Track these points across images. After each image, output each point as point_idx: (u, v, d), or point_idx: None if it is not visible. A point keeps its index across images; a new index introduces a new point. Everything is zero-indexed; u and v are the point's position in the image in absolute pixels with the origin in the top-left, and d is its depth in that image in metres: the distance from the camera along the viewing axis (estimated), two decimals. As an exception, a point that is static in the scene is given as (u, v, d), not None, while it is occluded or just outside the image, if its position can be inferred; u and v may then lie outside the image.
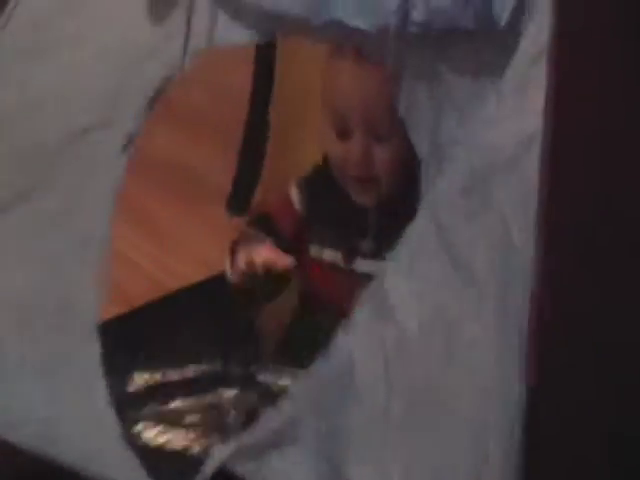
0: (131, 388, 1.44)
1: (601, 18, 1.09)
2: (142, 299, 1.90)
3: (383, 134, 1.30)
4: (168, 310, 1.86)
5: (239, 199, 2.18)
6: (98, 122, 1.25)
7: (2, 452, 1.29)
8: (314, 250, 1.44)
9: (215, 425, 1.36)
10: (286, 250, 1.40)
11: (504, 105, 1.07)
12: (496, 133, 1.08)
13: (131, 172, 1.26)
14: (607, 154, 1.09)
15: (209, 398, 1.41)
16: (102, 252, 1.28)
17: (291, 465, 1.15)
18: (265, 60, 1.82)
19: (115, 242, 1.95)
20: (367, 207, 1.39)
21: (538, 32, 1.06)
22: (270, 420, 1.17)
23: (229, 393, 1.42)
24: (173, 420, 1.38)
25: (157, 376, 1.48)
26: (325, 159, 1.43)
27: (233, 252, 1.45)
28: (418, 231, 1.11)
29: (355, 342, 1.12)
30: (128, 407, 1.35)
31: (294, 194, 1.48)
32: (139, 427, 1.36)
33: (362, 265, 1.39)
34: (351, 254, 1.40)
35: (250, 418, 1.32)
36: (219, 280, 1.89)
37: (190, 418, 1.39)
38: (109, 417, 1.24)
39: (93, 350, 1.25)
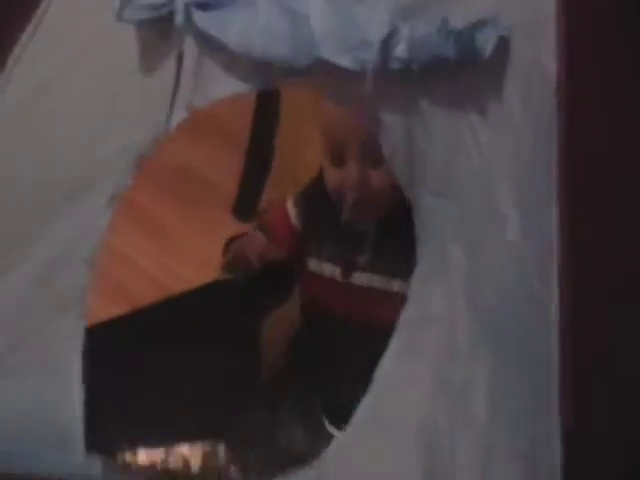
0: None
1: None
2: (144, 301, 1.92)
3: (377, 159, 1.28)
4: (170, 313, 1.88)
5: (245, 204, 2.19)
6: (87, 182, 1.26)
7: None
8: (312, 264, 1.45)
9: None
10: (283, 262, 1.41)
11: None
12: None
13: (137, 176, 1.27)
14: (621, 200, 1.09)
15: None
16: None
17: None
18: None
19: (120, 244, 1.99)
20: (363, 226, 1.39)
21: (522, 64, 1.06)
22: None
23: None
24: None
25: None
26: (322, 172, 1.44)
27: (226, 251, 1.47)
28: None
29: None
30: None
31: (291, 209, 1.49)
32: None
33: (360, 278, 1.40)
34: (349, 268, 1.41)
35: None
36: (223, 284, 1.92)
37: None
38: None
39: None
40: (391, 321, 1.15)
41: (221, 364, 1.70)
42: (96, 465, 1.27)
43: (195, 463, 1.44)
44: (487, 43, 1.05)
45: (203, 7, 1.16)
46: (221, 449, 1.45)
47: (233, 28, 1.15)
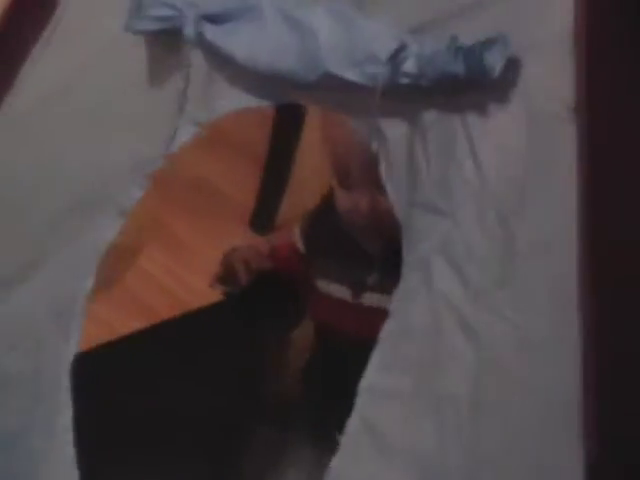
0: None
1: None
2: (162, 314, 1.92)
3: None
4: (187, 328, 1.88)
5: (262, 217, 2.19)
6: (95, 196, 1.26)
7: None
8: (322, 285, 1.43)
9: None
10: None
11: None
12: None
13: (152, 189, 1.27)
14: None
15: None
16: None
17: None
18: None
19: (139, 260, 1.99)
20: (372, 251, 1.38)
21: (529, 83, 1.04)
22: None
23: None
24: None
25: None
26: (331, 191, 1.43)
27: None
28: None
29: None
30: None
31: (297, 234, 1.48)
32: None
33: (370, 299, 1.39)
34: (358, 289, 1.39)
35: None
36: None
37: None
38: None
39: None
40: None
41: (231, 382, 1.70)
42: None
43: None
44: (496, 62, 1.03)
45: (212, 20, 1.16)
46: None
47: (242, 41, 1.14)
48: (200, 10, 1.16)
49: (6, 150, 1.32)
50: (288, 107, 1.66)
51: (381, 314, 1.35)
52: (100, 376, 1.33)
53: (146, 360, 1.78)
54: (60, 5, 1.27)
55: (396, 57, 1.06)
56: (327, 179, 1.59)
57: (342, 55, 1.08)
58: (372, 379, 1.12)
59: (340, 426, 1.36)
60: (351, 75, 1.08)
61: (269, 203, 2.20)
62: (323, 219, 1.46)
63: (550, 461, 1.03)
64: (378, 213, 1.32)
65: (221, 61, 1.16)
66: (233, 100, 1.18)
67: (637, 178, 1.04)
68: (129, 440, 1.56)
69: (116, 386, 1.65)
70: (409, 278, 1.10)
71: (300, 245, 1.48)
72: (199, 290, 1.97)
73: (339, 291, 1.42)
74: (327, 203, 1.45)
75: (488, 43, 1.03)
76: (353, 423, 1.13)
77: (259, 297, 1.48)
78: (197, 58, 1.18)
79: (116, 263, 1.29)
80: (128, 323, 1.89)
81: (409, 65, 1.06)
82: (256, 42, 1.13)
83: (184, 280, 2.04)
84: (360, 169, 1.30)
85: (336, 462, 1.14)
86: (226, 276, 1.48)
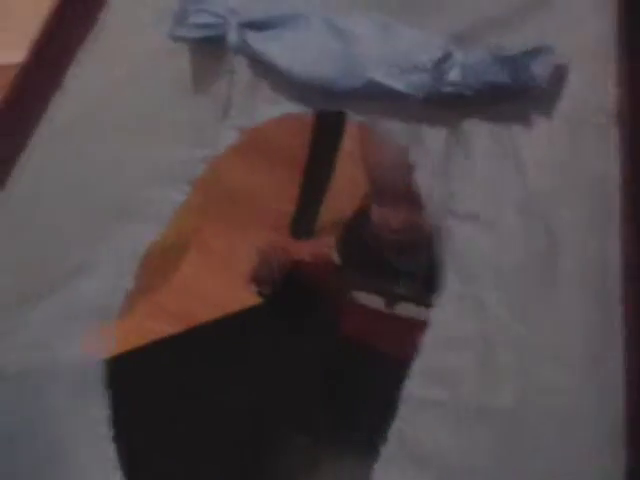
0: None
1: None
2: (200, 319, 1.92)
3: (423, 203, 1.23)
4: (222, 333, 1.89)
5: (302, 223, 2.19)
6: (138, 202, 1.27)
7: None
8: (356, 295, 1.43)
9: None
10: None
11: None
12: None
13: (194, 194, 1.27)
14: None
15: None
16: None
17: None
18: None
19: (178, 265, 2.00)
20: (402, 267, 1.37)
21: (573, 93, 1.04)
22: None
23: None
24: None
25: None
26: (366, 199, 1.42)
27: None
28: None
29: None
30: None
31: (332, 246, 1.48)
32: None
33: (404, 309, 1.38)
34: (392, 299, 1.39)
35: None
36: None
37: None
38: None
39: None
40: None
41: (267, 387, 1.71)
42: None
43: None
44: (542, 71, 1.03)
45: (256, 27, 1.16)
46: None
47: (284, 49, 1.14)
48: (243, 17, 1.16)
49: (52, 156, 1.33)
50: (328, 113, 1.66)
51: (414, 325, 1.36)
52: (136, 379, 1.33)
53: (182, 364, 1.78)
54: (103, 12, 1.27)
55: (440, 66, 1.06)
56: (365, 186, 1.59)
57: (386, 63, 1.08)
58: (412, 389, 1.12)
59: (372, 434, 1.37)
60: (394, 83, 1.08)
61: (308, 210, 2.19)
62: (359, 229, 1.46)
63: (590, 467, 1.02)
64: (410, 230, 1.31)
65: (264, 68, 1.16)
66: (276, 107, 1.18)
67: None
68: (163, 443, 1.56)
69: (152, 389, 1.66)
70: (450, 288, 1.10)
71: (336, 257, 1.47)
72: (236, 296, 1.97)
73: (373, 301, 1.41)
74: (363, 213, 1.44)
75: (533, 52, 1.02)
76: (393, 433, 1.12)
77: (292, 299, 1.48)
78: (240, 65, 1.18)
79: (154, 268, 1.28)
80: (164, 328, 1.90)
81: (453, 74, 1.06)
82: (299, 50, 1.13)
83: (221, 286, 2.04)
84: (394, 186, 1.29)
85: (374, 471, 1.14)
86: (259, 276, 1.48)
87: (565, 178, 1.04)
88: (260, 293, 1.54)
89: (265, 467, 1.47)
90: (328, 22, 1.12)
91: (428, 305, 1.32)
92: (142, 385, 1.51)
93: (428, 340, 1.11)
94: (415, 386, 1.11)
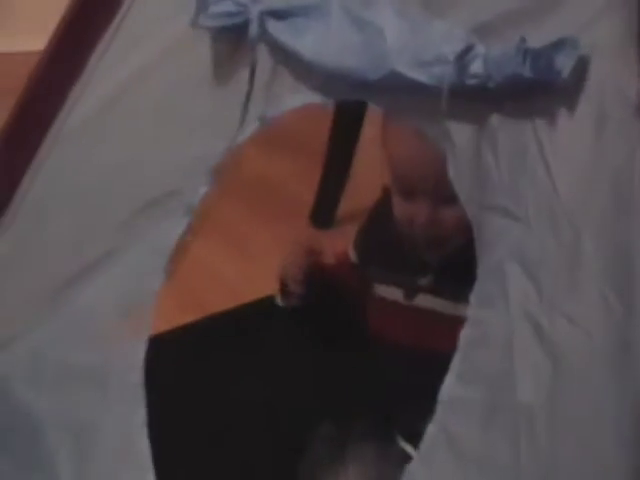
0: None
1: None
2: (220, 307, 1.93)
3: (450, 196, 1.19)
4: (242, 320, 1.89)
5: (323, 212, 2.19)
6: (162, 194, 1.27)
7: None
8: (377, 289, 1.42)
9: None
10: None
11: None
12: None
13: (217, 186, 1.27)
14: None
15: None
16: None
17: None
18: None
19: (200, 254, 2.00)
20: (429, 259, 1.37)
21: (598, 86, 1.03)
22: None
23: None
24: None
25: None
26: (386, 191, 1.42)
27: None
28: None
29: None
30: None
31: (350, 245, 1.48)
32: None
33: (424, 301, 1.38)
34: (412, 290, 1.38)
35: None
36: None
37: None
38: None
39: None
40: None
41: (290, 375, 1.71)
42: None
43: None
44: (565, 64, 1.02)
45: (278, 16, 1.16)
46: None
47: (307, 38, 1.14)
48: (264, 6, 1.16)
49: (74, 148, 1.33)
50: (348, 103, 1.66)
51: (433, 317, 1.36)
52: (156, 366, 1.33)
53: (199, 352, 1.79)
54: (125, 2, 1.28)
55: (463, 58, 1.05)
56: (386, 178, 1.58)
57: (408, 55, 1.07)
58: (451, 387, 1.12)
59: (402, 428, 1.37)
60: (417, 75, 1.07)
61: (329, 198, 2.20)
62: (377, 223, 1.45)
63: (629, 469, 1.02)
64: (437, 225, 1.30)
65: (286, 57, 1.16)
66: (297, 97, 1.18)
67: None
68: (180, 432, 1.56)
69: (172, 377, 1.66)
70: (485, 284, 1.10)
71: (352, 255, 1.47)
72: (258, 284, 1.97)
73: (393, 293, 1.41)
74: (381, 207, 1.44)
75: (557, 45, 1.01)
76: (432, 431, 1.13)
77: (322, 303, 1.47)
78: (262, 54, 1.18)
79: (179, 258, 1.29)
80: (187, 316, 1.90)
81: (476, 66, 1.05)
82: (322, 40, 1.12)
83: (245, 274, 2.04)
84: (421, 179, 1.28)
85: (413, 468, 1.15)
86: (284, 293, 1.47)
87: (588, 171, 1.03)
88: (287, 300, 1.52)
89: (288, 457, 1.47)
90: (350, 12, 1.12)
91: (449, 297, 1.33)
92: (159, 372, 1.51)
93: (464, 337, 1.11)
94: (453, 384, 1.12)
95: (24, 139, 1.33)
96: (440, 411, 1.13)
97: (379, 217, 1.44)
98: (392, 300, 1.41)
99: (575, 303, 1.03)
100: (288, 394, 1.67)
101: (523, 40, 1.03)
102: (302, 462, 1.45)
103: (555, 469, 1.05)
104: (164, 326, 1.80)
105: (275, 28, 1.16)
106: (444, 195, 1.24)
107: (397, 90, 1.10)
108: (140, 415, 1.29)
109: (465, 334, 1.11)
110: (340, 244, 1.53)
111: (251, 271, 2.06)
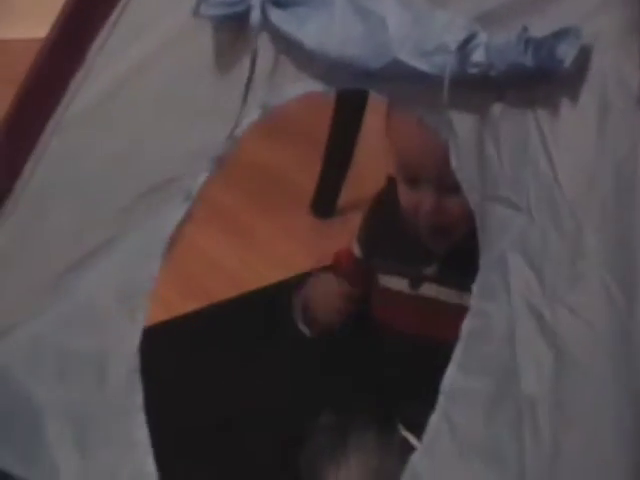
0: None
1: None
2: (223, 297, 1.93)
3: (454, 184, 1.18)
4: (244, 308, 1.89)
5: (324, 201, 2.19)
6: (163, 182, 1.27)
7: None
8: (382, 279, 1.42)
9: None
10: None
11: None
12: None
13: (218, 174, 1.27)
14: None
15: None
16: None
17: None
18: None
19: (201, 242, 2.00)
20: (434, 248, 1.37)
21: (601, 75, 1.03)
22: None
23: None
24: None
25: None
26: (390, 181, 1.41)
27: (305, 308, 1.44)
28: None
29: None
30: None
31: (354, 244, 1.47)
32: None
33: (428, 290, 1.38)
34: (416, 280, 1.38)
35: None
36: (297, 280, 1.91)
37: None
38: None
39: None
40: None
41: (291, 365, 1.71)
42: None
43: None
44: (567, 53, 1.02)
45: (280, 5, 1.15)
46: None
47: (309, 27, 1.14)
48: (267, -5, 1.16)
49: (76, 138, 1.33)
50: (350, 91, 1.66)
51: (438, 306, 1.36)
52: (157, 354, 1.33)
53: (205, 339, 1.79)
54: (127, -10, 1.28)
55: (465, 47, 1.05)
56: (388, 165, 1.58)
57: (411, 44, 1.07)
58: (453, 378, 1.12)
59: (404, 417, 1.37)
60: (419, 64, 1.07)
61: (330, 187, 2.19)
62: (381, 213, 1.44)
63: (630, 459, 1.02)
64: (442, 213, 1.30)
65: (289, 46, 1.16)
66: (299, 85, 1.18)
67: None
68: (182, 421, 1.57)
69: (172, 365, 1.66)
70: (487, 275, 1.10)
71: (356, 250, 1.46)
72: (264, 275, 1.98)
73: (397, 283, 1.41)
74: (386, 196, 1.43)
75: (560, 35, 1.01)
76: (434, 421, 1.13)
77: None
78: (263, 43, 1.18)
79: (178, 245, 1.29)
80: (186, 303, 1.90)
81: (478, 55, 1.05)
82: (324, 29, 1.12)
83: (246, 262, 2.04)
84: (426, 167, 1.28)
85: (416, 458, 1.15)
86: (312, 322, 1.45)
87: (590, 162, 1.03)
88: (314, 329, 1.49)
89: (289, 446, 1.47)
90: (353, 1, 1.12)
91: (454, 286, 1.33)
92: (162, 360, 1.51)
93: (466, 328, 1.11)
94: (454, 374, 1.12)
95: (25, 128, 1.33)
96: (442, 401, 1.13)
97: (383, 207, 1.43)
98: (397, 290, 1.40)
99: (577, 294, 1.03)
100: (290, 383, 1.67)
101: (525, 29, 1.03)
102: (303, 451, 1.45)
103: (558, 459, 1.05)
104: (165, 314, 1.81)
105: (277, 17, 1.16)
106: (448, 183, 1.23)
107: (399, 79, 1.10)
108: (138, 401, 1.29)
109: (467, 325, 1.11)
110: (343, 240, 1.52)
111: (252, 259, 2.06)
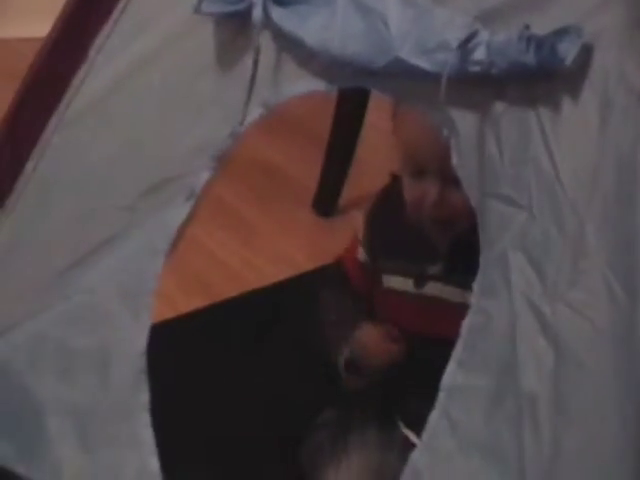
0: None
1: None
2: (224, 294, 1.93)
3: (457, 178, 1.17)
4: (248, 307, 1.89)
5: (325, 199, 2.19)
6: (165, 179, 1.27)
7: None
8: (386, 280, 1.42)
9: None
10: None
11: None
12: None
13: (220, 172, 1.27)
14: None
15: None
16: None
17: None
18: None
19: (203, 239, 2.01)
20: (439, 241, 1.36)
21: (602, 73, 1.03)
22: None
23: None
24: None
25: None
26: (394, 179, 1.41)
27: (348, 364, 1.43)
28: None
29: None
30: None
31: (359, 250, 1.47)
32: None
33: (432, 289, 1.37)
34: (421, 279, 1.38)
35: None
36: (300, 279, 1.92)
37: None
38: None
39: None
40: None
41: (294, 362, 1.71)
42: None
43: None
44: (569, 52, 1.01)
45: (281, 3, 1.15)
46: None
47: (311, 25, 1.14)
48: (268, -7, 1.16)
49: (79, 135, 1.33)
50: (351, 89, 1.66)
51: (442, 305, 1.35)
52: (159, 352, 1.33)
53: (207, 338, 1.79)
54: (129, -13, 1.28)
55: (466, 45, 1.05)
56: (390, 162, 1.57)
57: (412, 42, 1.07)
58: (453, 375, 1.12)
59: (404, 414, 1.37)
60: (420, 62, 1.07)
61: (332, 185, 2.19)
62: (383, 213, 1.44)
63: (630, 456, 1.02)
64: (446, 205, 1.30)
65: (290, 44, 1.16)
66: (301, 83, 1.18)
67: None
68: (187, 418, 1.57)
69: (178, 362, 1.66)
70: (488, 273, 1.10)
71: (361, 254, 1.46)
72: (265, 272, 1.98)
73: (402, 283, 1.40)
74: (387, 195, 1.43)
75: (561, 33, 1.01)
76: (434, 418, 1.13)
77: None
78: (265, 41, 1.17)
79: (181, 243, 1.29)
80: (190, 301, 1.91)
81: (479, 53, 1.05)
82: (326, 27, 1.12)
83: (248, 260, 2.05)
84: (432, 159, 1.28)
85: (416, 455, 1.15)
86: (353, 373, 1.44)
87: (592, 159, 1.03)
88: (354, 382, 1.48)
89: (290, 443, 1.47)
90: (355, 0, 1.12)
91: (458, 285, 1.33)
92: (164, 359, 1.51)
93: (467, 325, 1.12)
94: (454, 371, 1.12)
95: (28, 123, 1.33)
96: (442, 398, 1.13)
97: (387, 205, 1.43)
98: (401, 290, 1.40)
99: (578, 291, 1.03)
100: (291, 380, 1.67)
101: (527, 27, 1.03)
102: (304, 448, 1.45)
103: (558, 456, 1.05)
104: (169, 312, 1.81)
105: (279, 14, 1.16)
106: (453, 176, 1.23)
107: (400, 77, 1.10)
108: (143, 401, 1.29)
109: (467, 322, 1.11)
110: (344, 238, 1.52)
111: (253, 257, 2.06)
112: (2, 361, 1.38)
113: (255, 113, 1.21)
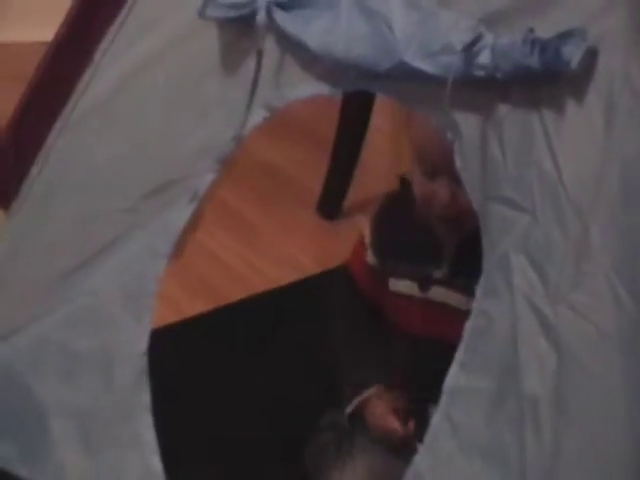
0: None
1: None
2: (228, 296, 1.93)
3: None
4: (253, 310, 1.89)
5: (330, 202, 2.19)
6: (169, 181, 1.27)
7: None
8: (392, 283, 1.42)
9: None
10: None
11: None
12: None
13: (224, 174, 1.28)
14: None
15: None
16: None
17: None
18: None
19: (207, 242, 2.01)
20: (447, 241, 1.36)
21: (607, 76, 1.03)
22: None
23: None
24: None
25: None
26: (402, 183, 1.41)
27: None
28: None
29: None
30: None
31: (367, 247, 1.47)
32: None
33: (437, 293, 1.37)
34: (426, 283, 1.38)
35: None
36: (305, 282, 1.92)
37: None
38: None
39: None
40: None
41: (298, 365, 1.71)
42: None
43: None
44: (573, 55, 1.02)
45: (285, 7, 1.16)
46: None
47: (315, 29, 1.14)
48: (272, -3, 1.16)
49: (83, 137, 1.33)
50: (356, 92, 1.66)
51: (446, 310, 1.35)
52: (163, 356, 1.33)
53: (211, 342, 1.79)
54: (134, -10, 1.28)
55: (471, 48, 1.05)
56: (395, 164, 1.58)
57: (417, 45, 1.07)
58: (455, 378, 1.12)
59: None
60: (425, 65, 1.07)
61: (337, 188, 2.19)
62: (392, 215, 1.44)
63: (631, 460, 1.02)
64: (456, 205, 1.30)
65: (293, 47, 1.16)
66: (305, 86, 1.18)
67: None
68: (191, 421, 1.57)
69: (183, 364, 1.66)
70: (490, 275, 1.10)
71: (370, 257, 1.46)
72: (269, 275, 1.98)
73: (408, 287, 1.40)
74: (394, 199, 1.43)
75: (565, 36, 1.01)
76: (436, 421, 1.13)
77: None
78: (269, 44, 1.18)
79: (185, 244, 1.29)
80: (194, 304, 1.91)
81: (484, 57, 1.05)
82: (330, 29, 1.13)
83: (252, 263, 2.04)
84: (444, 161, 1.28)
85: (418, 458, 1.15)
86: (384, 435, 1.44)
87: (596, 162, 1.03)
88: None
89: (295, 445, 1.47)
90: (358, 2, 1.12)
91: (462, 291, 1.33)
92: (168, 362, 1.52)
93: (469, 328, 1.11)
94: (456, 374, 1.12)
95: (34, 125, 1.33)
96: (444, 400, 1.13)
97: (396, 208, 1.43)
98: (407, 293, 1.40)
99: (581, 294, 1.03)
100: (295, 382, 1.67)
101: (531, 30, 1.03)
102: (308, 450, 1.45)
103: (559, 458, 1.05)
104: (172, 314, 1.81)
105: (282, 18, 1.16)
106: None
107: (405, 80, 1.10)
108: (144, 400, 1.29)
109: (470, 324, 1.11)
110: (348, 241, 1.51)
111: (257, 259, 2.06)
112: (6, 364, 1.38)
113: (258, 116, 1.21)
